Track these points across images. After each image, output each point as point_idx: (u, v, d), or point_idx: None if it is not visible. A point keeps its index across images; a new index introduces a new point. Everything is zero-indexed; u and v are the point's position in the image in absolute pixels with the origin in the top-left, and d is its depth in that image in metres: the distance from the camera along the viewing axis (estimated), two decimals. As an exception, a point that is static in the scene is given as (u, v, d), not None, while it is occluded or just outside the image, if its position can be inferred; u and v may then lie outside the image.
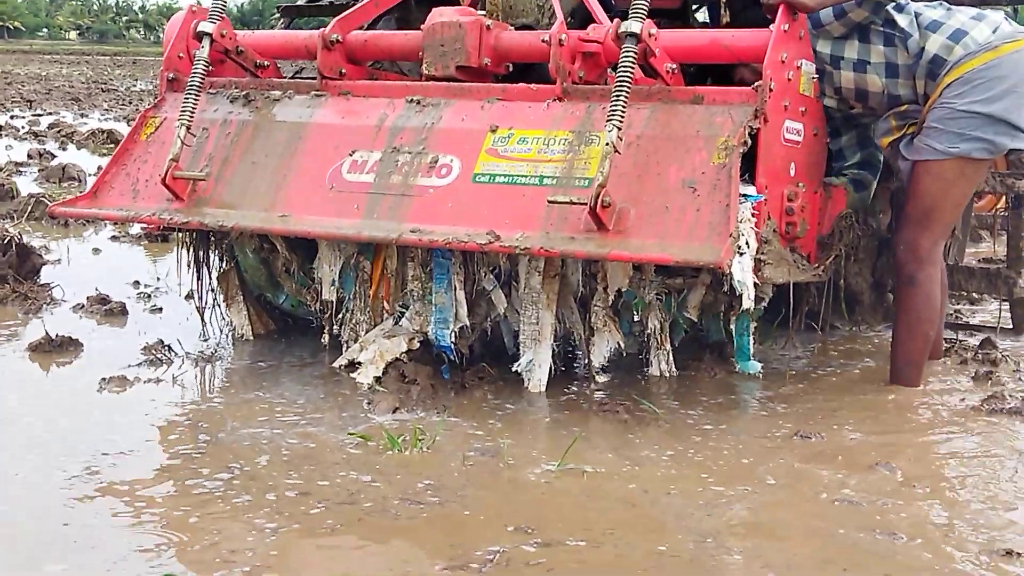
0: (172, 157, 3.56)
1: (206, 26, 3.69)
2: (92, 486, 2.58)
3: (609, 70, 3.41)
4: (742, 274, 3.06)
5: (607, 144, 3.04)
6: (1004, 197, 4.53)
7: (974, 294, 4.70)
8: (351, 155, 3.51)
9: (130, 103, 18.04)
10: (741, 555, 2.31)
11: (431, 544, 2.32)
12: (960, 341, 4.10)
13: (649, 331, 3.56)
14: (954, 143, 3.32)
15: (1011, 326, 4.30)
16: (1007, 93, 3.30)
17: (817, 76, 3.42)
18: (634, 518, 2.49)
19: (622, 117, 3.06)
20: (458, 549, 2.28)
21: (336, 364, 3.59)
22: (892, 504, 2.59)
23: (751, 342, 3.56)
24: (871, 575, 2.21)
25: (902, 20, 3.40)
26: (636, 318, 3.56)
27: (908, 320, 3.48)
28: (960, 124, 3.31)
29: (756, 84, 3.16)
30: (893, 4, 3.40)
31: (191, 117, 3.61)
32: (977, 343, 4.03)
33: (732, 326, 3.53)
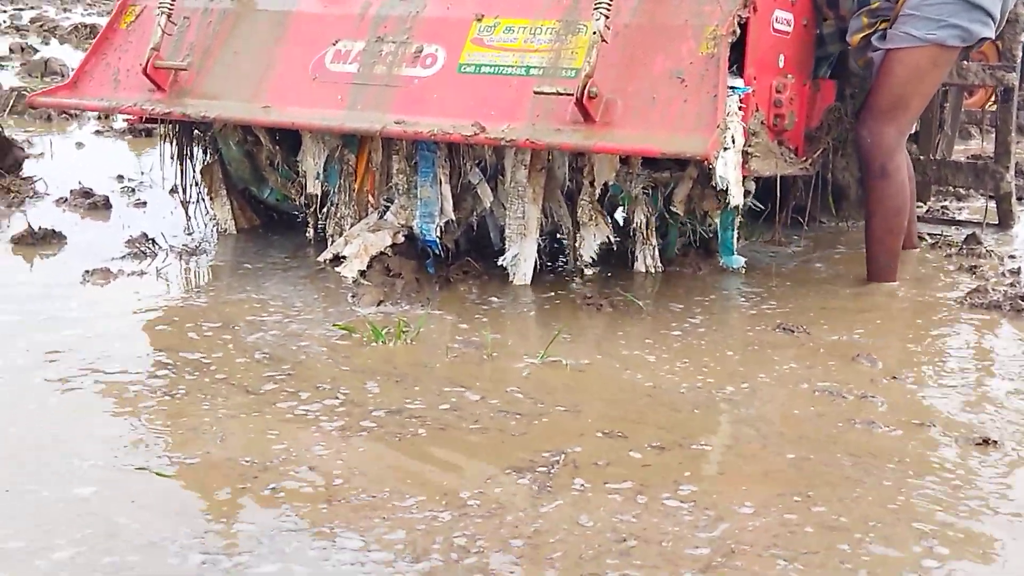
0: (153, 46, 3.50)
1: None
2: (78, 380, 2.56)
3: (597, -42, 3.32)
4: (724, 169, 3.03)
5: (594, 33, 2.98)
6: (991, 91, 4.47)
7: (961, 189, 4.67)
8: (334, 44, 3.44)
9: (113, -3, 17.69)
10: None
11: (435, 443, 2.32)
12: (945, 236, 4.09)
13: (635, 225, 3.53)
14: (931, 29, 3.27)
15: (997, 221, 4.29)
16: None
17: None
18: (654, 409, 2.49)
19: (609, 5, 2.99)
20: (470, 447, 2.29)
21: (321, 258, 3.56)
22: (871, 395, 2.59)
23: (735, 237, 3.55)
24: (849, 464, 2.22)
25: None
26: (623, 210, 3.53)
27: (884, 212, 3.45)
28: (937, 10, 3.26)
29: (747, -29, 3.08)
30: None
31: (171, 5, 3.53)
32: (962, 238, 4.02)
33: (717, 220, 3.51)
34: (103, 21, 12.23)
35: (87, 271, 3.36)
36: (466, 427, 2.34)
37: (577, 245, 3.50)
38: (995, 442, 2.32)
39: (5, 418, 2.32)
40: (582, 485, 2.07)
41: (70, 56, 9.18)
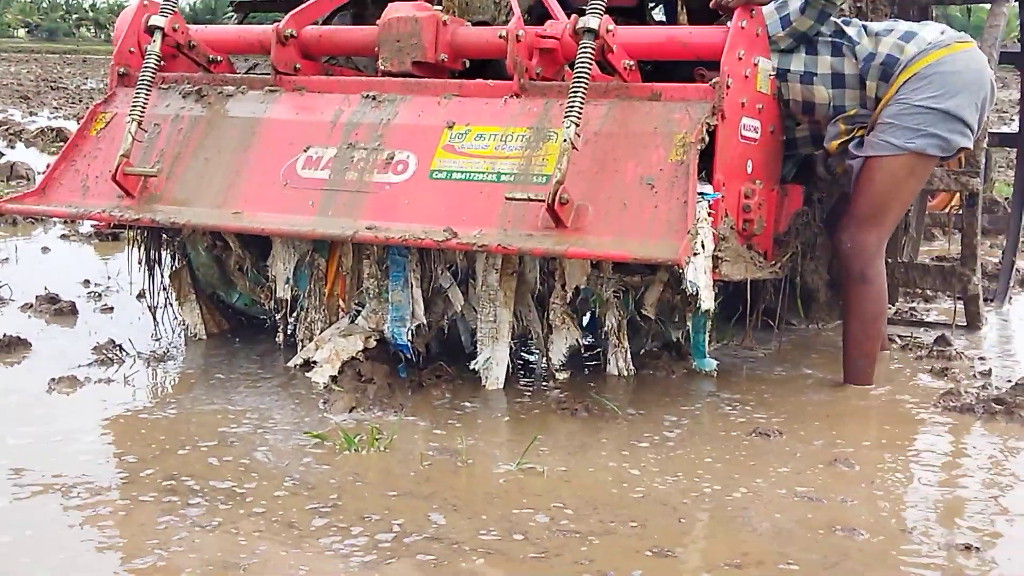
0: (123, 153, 3.50)
1: (158, 20, 3.63)
2: (42, 493, 2.51)
3: (567, 67, 3.39)
4: (695, 274, 3.04)
5: (565, 140, 3.01)
6: (958, 195, 4.55)
7: (928, 291, 4.72)
8: (306, 151, 3.46)
9: (80, 101, 17.77)
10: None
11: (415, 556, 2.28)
12: (915, 338, 4.12)
13: (607, 329, 3.54)
14: (910, 139, 3.33)
15: (965, 323, 4.33)
16: (960, 90, 3.33)
17: (773, 74, 3.42)
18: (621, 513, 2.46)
19: (580, 113, 3.03)
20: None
21: (291, 364, 3.53)
22: (851, 502, 2.58)
23: (707, 340, 3.55)
24: (832, 572, 2.20)
25: (850, 30, 3.45)
26: (593, 316, 3.54)
27: (862, 317, 3.47)
28: (916, 120, 3.32)
29: (713, 81, 3.15)
30: (841, 18, 3.44)
31: (142, 112, 3.55)
32: (932, 340, 4.05)
33: (688, 324, 3.53)
34: (69, 125, 12.38)
35: (53, 379, 3.32)
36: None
37: (547, 350, 3.50)
38: (976, 548, 2.31)
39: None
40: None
41: (36, 160, 9.20)
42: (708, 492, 2.61)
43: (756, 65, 3.30)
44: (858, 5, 4.02)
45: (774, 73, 3.41)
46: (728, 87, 3.14)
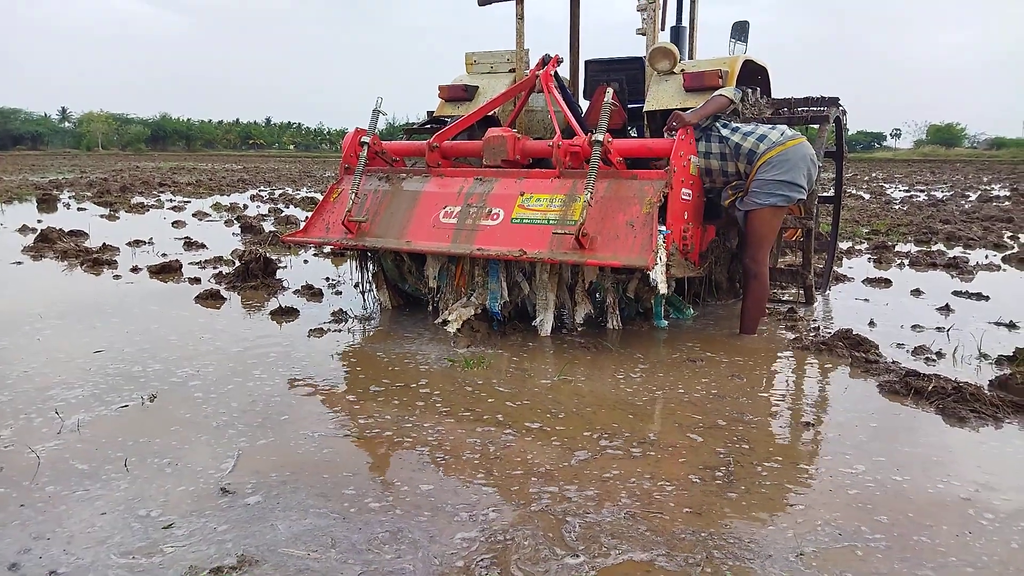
0: (347, 210, 3.54)
1: (365, 139, 3.67)
2: (297, 386, 2.56)
3: (585, 161, 3.37)
4: (656, 274, 3.01)
5: (585, 201, 2.99)
6: (800, 230, 4.43)
7: (783, 283, 4.60)
8: (443, 208, 3.47)
9: (323, 183, 18.01)
10: (668, 420, 2.28)
11: (498, 415, 2.28)
12: (776, 309, 4.03)
13: (607, 304, 3.51)
14: (766, 199, 3.25)
15: (804, 301, 4.22)
16: (792, 168, 3.25)
17: (700, 164, 3.36)
18: (619, 405, 2.44)
19: (593, 186, 3.02)
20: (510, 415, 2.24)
21: (436, 321, 3.55)
22: (742, 399, 2.53)
23: (662, 310, 3.51)
24: (727, 437, 2.17)
25: (725, 132, 3.35)
26: (599, 296, 3.52)
27: (755, 299, 3.39)
28: (769, 187, 3.25)
29: (666, 169, 3.11)
30: (721, 123, 3.35)
31: (358, 188, 3.59)
32: (786, 310, 3.95)
33: (652, 301, 3.49)
34: (318, 195, 12.52)
35: (310, 329, 3.37)
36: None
37: (573, 315, 3.48)
38: (811, 423, 2.26)
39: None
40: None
41: (301, 214, 9.33)
42: (664, 395, 2.58)
43: (689, 159, 3.25)
44: (739, 113, 3.92)
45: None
46: (674, 172, 3.10)
